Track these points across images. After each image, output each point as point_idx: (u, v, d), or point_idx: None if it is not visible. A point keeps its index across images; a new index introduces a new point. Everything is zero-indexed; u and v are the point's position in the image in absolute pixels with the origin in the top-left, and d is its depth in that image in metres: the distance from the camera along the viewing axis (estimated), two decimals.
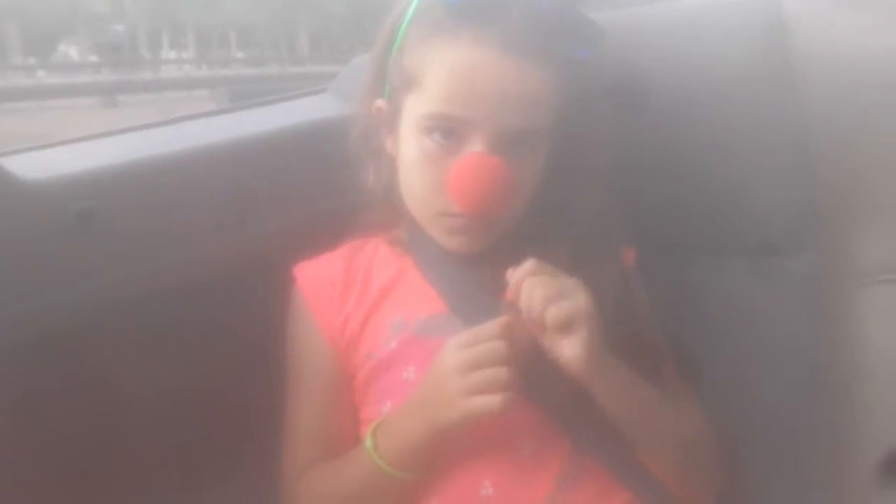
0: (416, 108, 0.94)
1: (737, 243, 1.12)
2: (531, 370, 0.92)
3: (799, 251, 1.08)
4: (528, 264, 0.88)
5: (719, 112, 1.08)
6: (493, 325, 0.88)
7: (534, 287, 0.87)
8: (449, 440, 0.92)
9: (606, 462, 0.93)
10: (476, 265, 0.98)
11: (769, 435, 1.07)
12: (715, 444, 0.99)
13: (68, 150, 1.12)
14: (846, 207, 1.02)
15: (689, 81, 1.10)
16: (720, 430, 1.01)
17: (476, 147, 0.90)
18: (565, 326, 0.86)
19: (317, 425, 1.01)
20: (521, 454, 0.93)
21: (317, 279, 1.03)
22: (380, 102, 0.99)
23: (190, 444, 1.04)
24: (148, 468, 1.02)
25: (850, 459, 0.93)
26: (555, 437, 0.93)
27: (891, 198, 0.99)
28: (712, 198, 1.10)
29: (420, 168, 0.95)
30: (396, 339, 0.97)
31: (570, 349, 0.86)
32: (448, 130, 0.92)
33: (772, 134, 1.07)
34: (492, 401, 0.85)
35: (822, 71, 1.04)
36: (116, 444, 1.00)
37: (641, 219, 1.05)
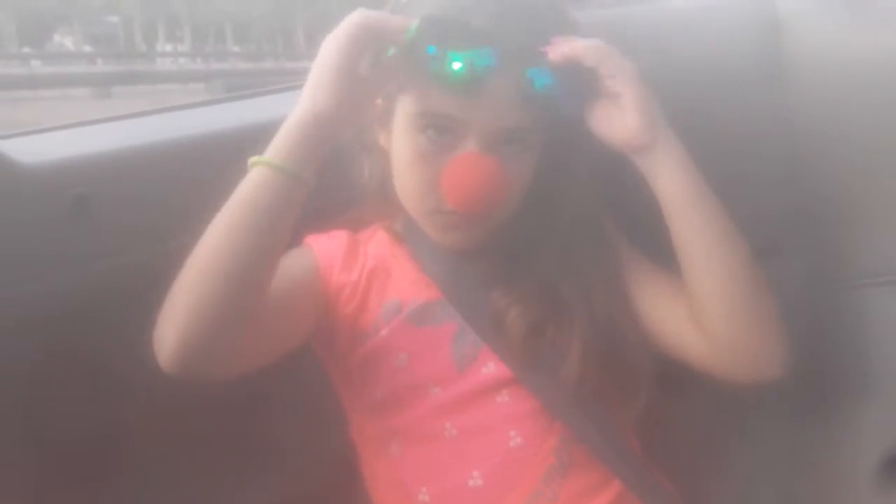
0: (410, 106, 0.94)
1: None
2: (528, 359, 0.94)
3: (790, 252, 1.09)
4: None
5: (711, 112, 1.08)
6: None
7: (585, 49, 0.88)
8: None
9: (599, 451, 0.95)
10: (470, 257, 0.99)
11: (765, 436, 1.07)
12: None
13: (65, 135, 1.12)
14: (839, 209, 1.03)
15: (681, 81, 1.10)
16: (713, 433, 1.02)
17: (469, 146, 0.91)
18: (618, 88, 0.88)
19: None
20: (509, 446, 0.94)
21: (324, 242, 1.03)
22: None
23: (185, 431, 1.04)
24: (141, 453, 1.02)
25: (849, 460, 0.93)
26: (543, 430, 0.94)
27: (884, 200, 1.00)
28: None
29: (413, 165, 0.95)
30: (388, 325, 0.98)
31: (626, 116, 0.88)
32: (441, 128, 0.92)
33: (763, 134, 1.08)
34: None
35: (814, 71, 1.05)
36: (109, 429, 1.00)
37: (626, 219, 1.05)
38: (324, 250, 1.01)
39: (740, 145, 1.09)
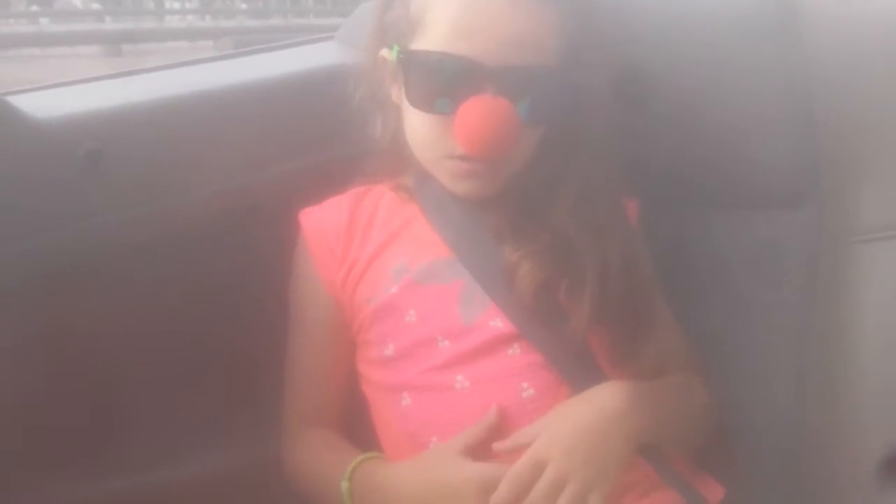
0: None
1: (738, 196, 1.11)
2: (533, 315, 0.94)
3: (801, 205, 1.07)
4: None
5: (723, 63, 1.07)
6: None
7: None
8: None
9: None
10: (482, 211, 0.98)
11: (764, 413, 1.07)
12: (708, 402, 1.01)
13: (77, 90, 1.12)
14: (850, 162, 1.01)
15: (693, 32, 1.10)
16: (714, 391, 1.02)
17: (482, 88, 0.90)
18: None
19: (315, 373, 1.04)
20: (521, 397, 0.94)
21: (321, 227, 1.04)
22: (384, 52, 0.99)
23: (192, 385, 1.05)
24: (150, 407, 1.03)
25: (849, 459, 0.93)
26: (556, 382, 0.94)
27: (893, 153, 0.99)
28: (714, 150, 1.10)
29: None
30: (397, 284, 0.98)
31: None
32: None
33: (775, 86, 1.06)
34: None
35: (828, 23, 1.03)
36: (118, 382, 1.02)
37: (641, 171, 1.05)
38: (322, 251, 1.03)
39: (752, 96, 1.08)
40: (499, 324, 0.95)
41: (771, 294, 1.08)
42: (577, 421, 0.89)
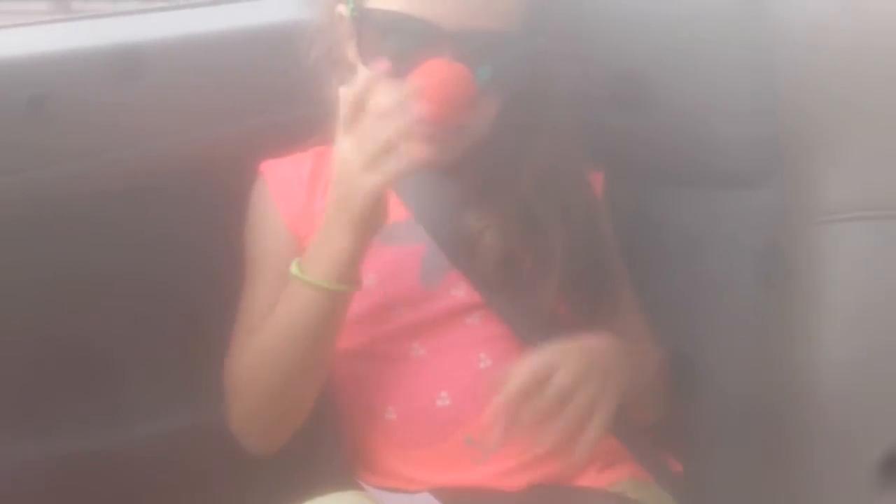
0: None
1: (700, 174, 1.10)
2: (498, 285, 0.93)
3: (763, 185, 1.07)
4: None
5: (687, 40, 1.07)
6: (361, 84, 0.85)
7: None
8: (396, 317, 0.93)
9: None
10: (445, 176, 0.96)
11: (723, 390, 1.06)
12: (664, 377, 1.00)
13: (22, 34, 1.10)
14: (813, 142, 1.01)
15: (657, 9, 1.09)
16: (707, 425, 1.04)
17: (438, 52, 0.87)
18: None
19: (271, 301, 0.96)
20: (478, 367, 0.93)
21: (283, 175, 1.00)
22: (341, 9, 0.96)
23: (147, 341, 1.05)
24: (101, 363, 1.02)
25: (848, 458, 0.92)
26: (513, 353, 0.92)
27: (856, 134, 0.99)
28: (676, 128, 1.09)
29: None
30: None
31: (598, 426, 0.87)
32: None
33: (739, 64, 1.06)
34: (402, 157, 0.83)
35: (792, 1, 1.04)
36: (68, 339, 1.00)
37: (605, 148, 1.04)
38: (286, 198, 0.99)
39: (715, 74, 1.07)
40: (460, 292, 0.94)
41: (732, 274, 1.08)
42: (589, 347, 0.89)
